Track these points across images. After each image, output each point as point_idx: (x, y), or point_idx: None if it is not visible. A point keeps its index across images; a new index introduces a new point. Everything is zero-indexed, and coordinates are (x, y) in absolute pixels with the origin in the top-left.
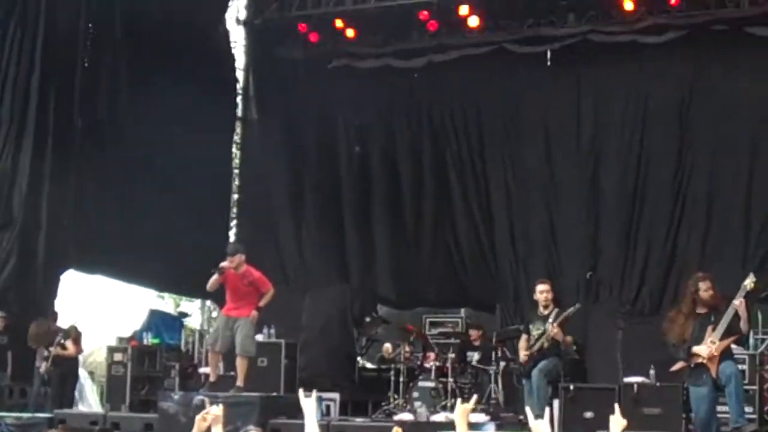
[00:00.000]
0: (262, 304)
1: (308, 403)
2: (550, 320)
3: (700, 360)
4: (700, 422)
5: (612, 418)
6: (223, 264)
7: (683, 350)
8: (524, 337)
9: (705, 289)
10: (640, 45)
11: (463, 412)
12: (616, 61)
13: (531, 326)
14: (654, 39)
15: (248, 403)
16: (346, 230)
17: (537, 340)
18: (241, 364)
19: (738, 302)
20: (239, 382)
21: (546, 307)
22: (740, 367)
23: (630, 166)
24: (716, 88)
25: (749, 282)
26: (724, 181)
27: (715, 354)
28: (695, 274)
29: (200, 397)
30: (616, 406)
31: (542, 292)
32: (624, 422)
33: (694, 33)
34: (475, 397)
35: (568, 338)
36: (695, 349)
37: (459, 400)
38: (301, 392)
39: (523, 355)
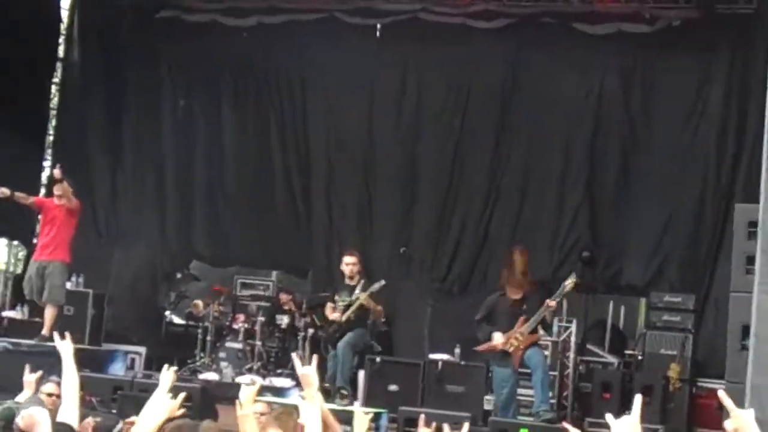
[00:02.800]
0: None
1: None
2: (357, 291)
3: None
4: (500, 403)
5: None
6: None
7: (483, 331)
8: (329, 305)
9: (520, 261)
10: (469, 28)
11: (250, 396)
12: (444, 42)
13: (337, 296)
14: (484, 24)
15: (52, 353)
16: (165, 183)
17: (344, 310)
18: (49, 313)
19: (553, 303)
20: (45, 331)
21: (351, 278)
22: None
23: (449, 146)
24: (538, 79)
25: (570, 282)
26: (538, 169)
27: (521, 348)
28: (514, 246)
29: (2, 344)
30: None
31: (348, 264)
32: None
33: (523, 22)
34: (258, 384)
35: (379, 308)
36: (494, 335)
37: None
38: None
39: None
